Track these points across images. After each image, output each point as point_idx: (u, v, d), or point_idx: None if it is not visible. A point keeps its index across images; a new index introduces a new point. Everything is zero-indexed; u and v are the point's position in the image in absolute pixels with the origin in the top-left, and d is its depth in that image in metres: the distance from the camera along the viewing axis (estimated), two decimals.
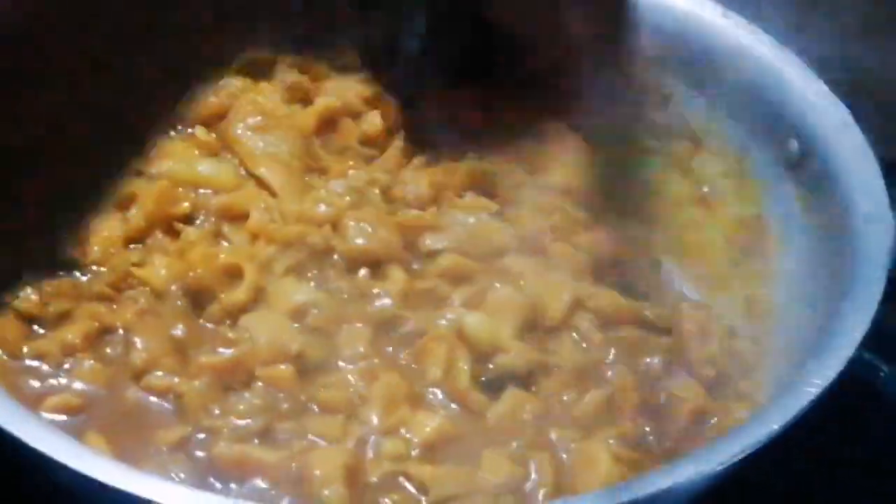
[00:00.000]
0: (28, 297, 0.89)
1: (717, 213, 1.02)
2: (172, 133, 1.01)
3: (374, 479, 0.80)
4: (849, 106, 0.95)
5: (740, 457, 0.73)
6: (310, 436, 0.83)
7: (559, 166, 1.02)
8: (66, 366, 0.86)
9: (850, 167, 0.91)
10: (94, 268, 0.92)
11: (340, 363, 0.87)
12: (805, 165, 0.95)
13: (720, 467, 0.72)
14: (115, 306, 0.89)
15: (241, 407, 0.83)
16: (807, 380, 0.77)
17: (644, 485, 0.71)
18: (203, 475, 0.80)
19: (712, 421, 0.88)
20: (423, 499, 0.80)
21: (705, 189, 1.03)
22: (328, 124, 1.02)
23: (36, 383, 0.85)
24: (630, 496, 0.70)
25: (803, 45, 1.01)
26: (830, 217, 0.90)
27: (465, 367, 0.87)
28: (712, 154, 1.04)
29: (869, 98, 0.98)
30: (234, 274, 0.90)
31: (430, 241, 0.94)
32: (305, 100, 1.03)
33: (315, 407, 0.85)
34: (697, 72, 1.04)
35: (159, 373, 0.85)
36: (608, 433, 0.86)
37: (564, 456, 0.84)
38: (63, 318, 0.89)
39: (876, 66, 1.15)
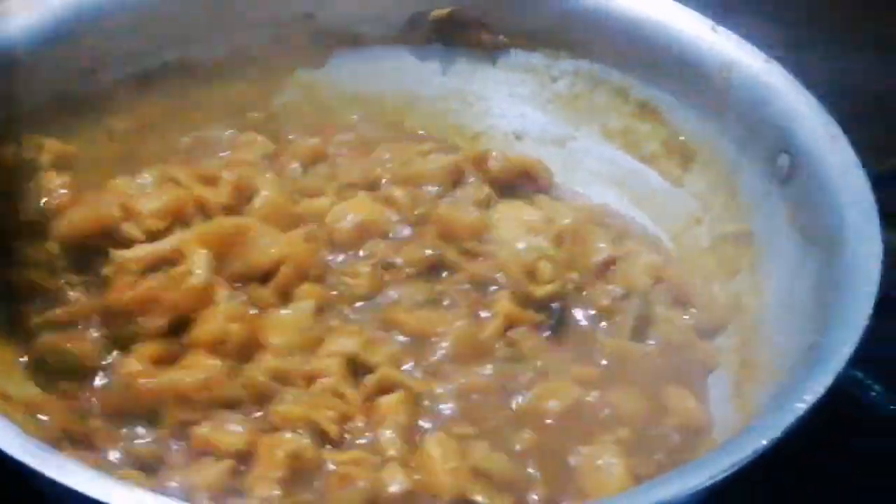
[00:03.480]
0: None
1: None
2: None
3: None
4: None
5: (728, 472, 0.72)
6: None
7: None
8: None
9: (839, 181, 0.91)
10: None
11: None
12: (795, 180, 0.94)
13: (708, 482, 0.71)
14: None
15: None
16: (796, 396, 0.76)
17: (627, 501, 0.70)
18: None
19: (702, 433, 0.89)
20: None
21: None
22: None
23: None
24: None
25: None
26: (820, 232, 0.90)
27: None
28: (703, 169, 1.04)
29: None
30: None
31: None
32: None
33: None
34: (688, 86, 1.04)
35: None
36: (605, 439, 0.87)
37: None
38: None
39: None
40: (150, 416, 0.85)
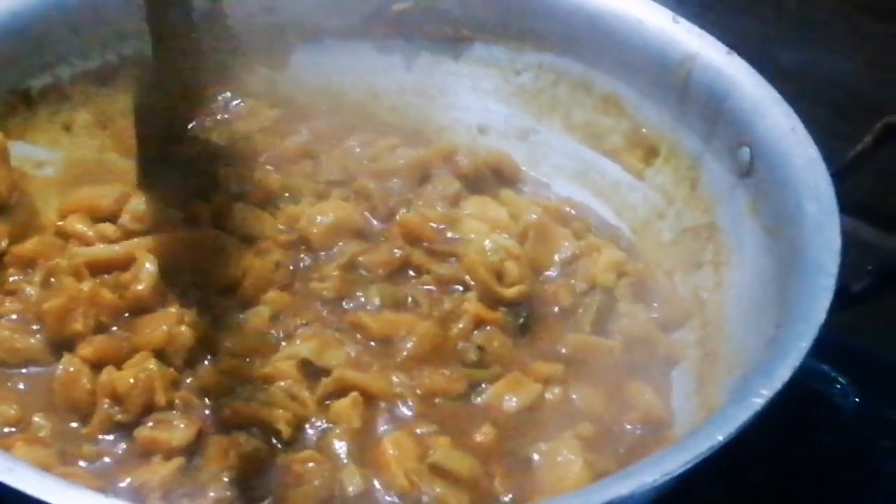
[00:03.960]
0: None
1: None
2: None
3: None
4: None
5: (684, 469, 0.72)
6: None
7: None
8: None
9: (800, 175, 0.90)
10: None
11: None
12: (756, 173, 0.94)
13: (662, 479, 0.71)
14: None
15: None
16: (754, 390, 0.76)
17: (581, 499, 0.70)
18: None
19: (663, 428, 0.89)
20: None
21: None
22: None
23: None
24: None
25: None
26: (781, 225, 0.89)
27: None
28: (665, 162, 1.03)
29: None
30: None
31: None
32: None
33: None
34: (650, 79, 1.03)
35: None
36: (566, 434, 0.86)
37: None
38: None
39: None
40: (90, 415, 0.84)
